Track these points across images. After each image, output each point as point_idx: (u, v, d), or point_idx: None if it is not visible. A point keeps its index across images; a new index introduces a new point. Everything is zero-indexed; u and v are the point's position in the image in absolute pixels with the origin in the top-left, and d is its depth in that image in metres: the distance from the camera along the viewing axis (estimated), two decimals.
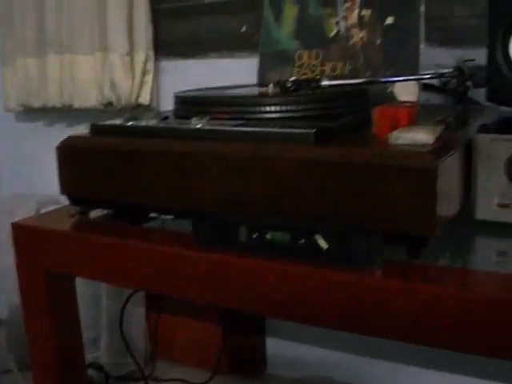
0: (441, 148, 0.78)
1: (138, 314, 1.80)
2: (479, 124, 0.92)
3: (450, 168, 0.80)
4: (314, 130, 0.82)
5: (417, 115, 0.90)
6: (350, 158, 0.78)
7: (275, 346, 1.77)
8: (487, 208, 0.87)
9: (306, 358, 1.71)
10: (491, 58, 0.88)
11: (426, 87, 1.27)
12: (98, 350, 1.80)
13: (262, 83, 1.29)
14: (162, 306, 1.80)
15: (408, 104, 0.93)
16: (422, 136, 0.78)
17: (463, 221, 0.89)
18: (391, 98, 1.28)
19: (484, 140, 0.86)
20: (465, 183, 0.88)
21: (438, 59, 1.30)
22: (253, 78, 1.34)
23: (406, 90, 1.28)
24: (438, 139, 0.79)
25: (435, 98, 1.26)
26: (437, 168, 0.73)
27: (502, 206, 0.86)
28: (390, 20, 1.33)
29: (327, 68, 1.37)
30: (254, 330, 1.77)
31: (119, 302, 1.66)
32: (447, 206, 0.80)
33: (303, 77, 1.37)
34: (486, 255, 0.86)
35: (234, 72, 1.58)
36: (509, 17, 0.88)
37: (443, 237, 0.80)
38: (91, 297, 1.74)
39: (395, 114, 0.86)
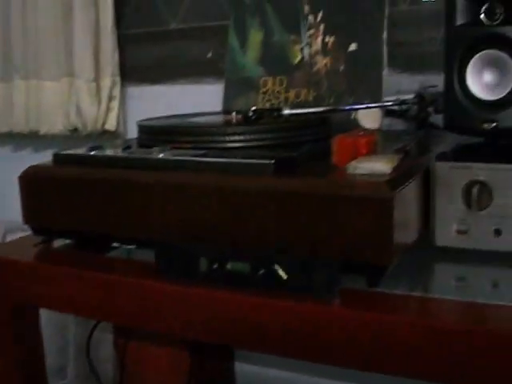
0: (398, 177, 0.79)
1: (105, 340, 1.79)
2: (438, 151, 0.93)
3: (407, 197, 0.81)
4: (273, 160, 0.82)
5: (377, 143, 0.91)
6: (307, 189, 0.78)
7: (244, 371, 1.76)
8: (446, 235, 0.88)
9: (275, 382, 1.71)
10: (448, 85, 0.89)
11: (388, 113, 1.28)
12: (65, 378, 1.78)
13: (226, 110, 1.30)
14: (129, 332, 1.78)
15: (368, 132, 0.94)
16: (380, 166, 0.79)
17: (423, 248, 0.90)
18: (355, 124, 1.29)
19: (442, 168, 0.87)
20: (424, 210, 0.90)
21: (401, 85, 1.31)
22: (220, 104, 1.35)
23: (368, 117, 1.29)
24: (395, 168, 0.80)
25: (398, 124, 1.27)
26: (393, 198, 0.74)
27: (461, 232, 0.87)
28: (353, 46, 1.35)
29: (291, 95, 1.38)
30: (222, 355, 1.77)
31: (87, 328, 1.65)
32: (405, 234, 0.81)
33: (267, 103, 1.39)
34: (446, 281, 0.87)
35: (201, 98, 1.58)
36: (465, 45, 0.89)
37: (403, 264, 0.81)
38: (58, 324, 1.72)
39: (355, 144, 0.87)
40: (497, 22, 0.88)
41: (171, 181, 0.87)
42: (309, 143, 0.96)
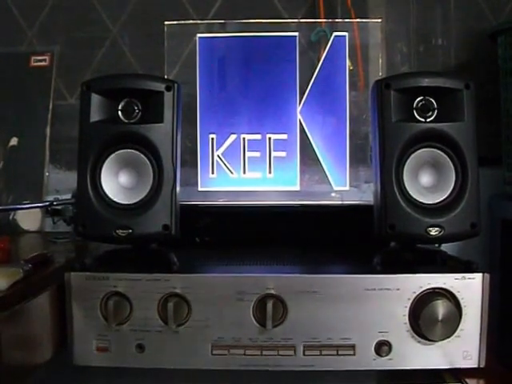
0: (15, 295, 0.69)
1: None
2: (80, 259, 0.84)
3: (28, 315, 0.72)
4: None
5: (8, 252, 0.82)
6: None
7: None
8: (86, 353, 0.79)
9: None
10: (81, 191, 0.80)
11: (52, 213, 1.19)
12: None
13: None
14: None
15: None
16: None
17: (64, 367, 0.80)
18: (14, 225, 1.19)
19: (77, 278, 0.78)
20: (62, 325, 0.80)
21: (68, 183, 1.22)
22: None
23: (28, 217, 1.20)
24: (15, 284, 0.71)
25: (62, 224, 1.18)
26: None
27: (101, 349, 0.79)
28: (14, 141, 1.24)
29: None
30: None
31: None
32: (29, 356, 0.72)
33: None
34: None
35: None
36: (101, 143, 0.82)
37: None
38: None
39: None
40: (134, 119, 0.82)
41: None
42: None
